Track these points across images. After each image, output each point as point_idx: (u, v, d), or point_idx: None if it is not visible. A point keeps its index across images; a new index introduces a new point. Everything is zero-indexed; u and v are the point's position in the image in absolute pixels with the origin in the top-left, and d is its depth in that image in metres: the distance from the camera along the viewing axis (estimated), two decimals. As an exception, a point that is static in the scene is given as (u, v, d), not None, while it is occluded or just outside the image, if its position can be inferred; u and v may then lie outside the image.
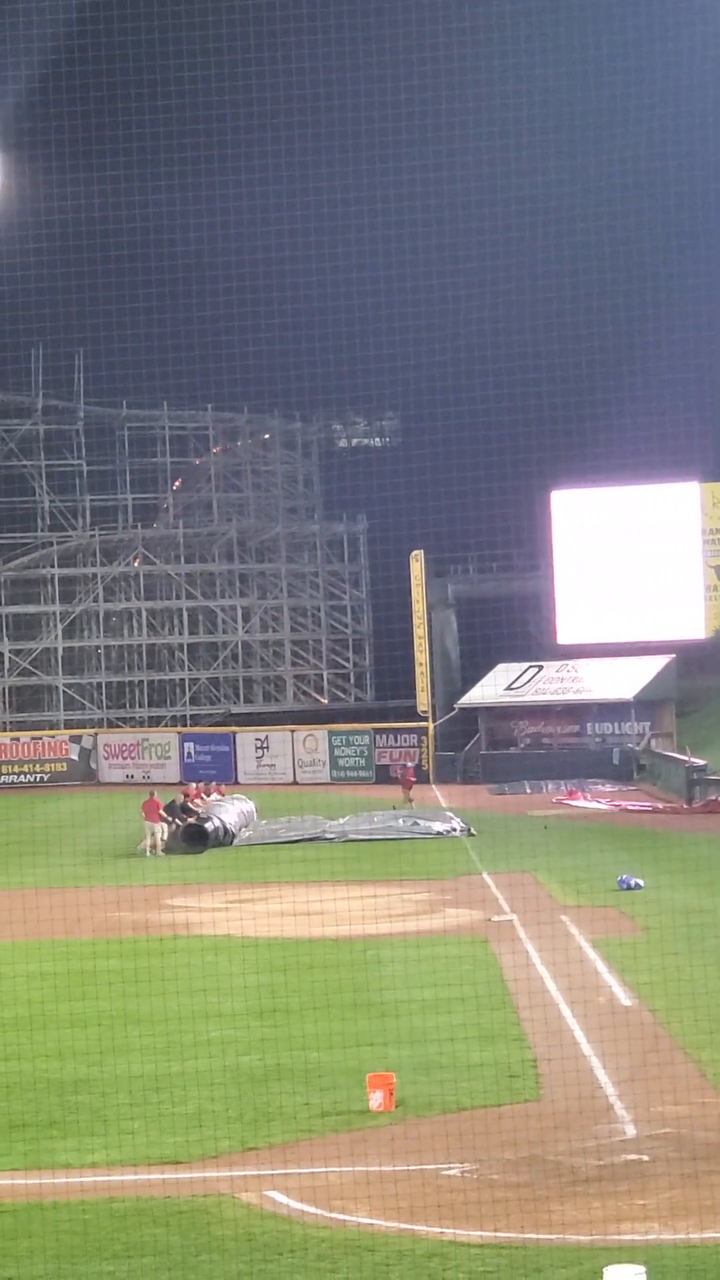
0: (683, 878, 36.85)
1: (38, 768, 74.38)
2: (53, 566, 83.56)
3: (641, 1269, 12.45)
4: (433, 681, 73.92)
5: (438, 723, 71.58)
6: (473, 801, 58.47)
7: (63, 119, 65.80)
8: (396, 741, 70.28)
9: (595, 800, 59.56)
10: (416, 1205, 15.55)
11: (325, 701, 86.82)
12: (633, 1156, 17.18)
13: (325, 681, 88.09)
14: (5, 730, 79.48)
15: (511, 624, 74.36)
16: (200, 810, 49.65)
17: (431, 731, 70.27)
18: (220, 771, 68.44)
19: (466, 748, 70.43)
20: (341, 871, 39.23)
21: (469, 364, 72.99)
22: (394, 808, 54.79)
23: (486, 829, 49.25)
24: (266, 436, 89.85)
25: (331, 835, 48.66)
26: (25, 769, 74.25)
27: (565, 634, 74.01)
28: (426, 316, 74.24)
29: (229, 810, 50.61)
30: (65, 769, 74.39)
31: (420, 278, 74.45)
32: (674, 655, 69.75)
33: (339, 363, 72.73)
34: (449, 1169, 16.82)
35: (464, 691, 73.30)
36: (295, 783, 69.79)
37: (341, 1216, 15.48)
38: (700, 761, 58.80)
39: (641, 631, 70.58)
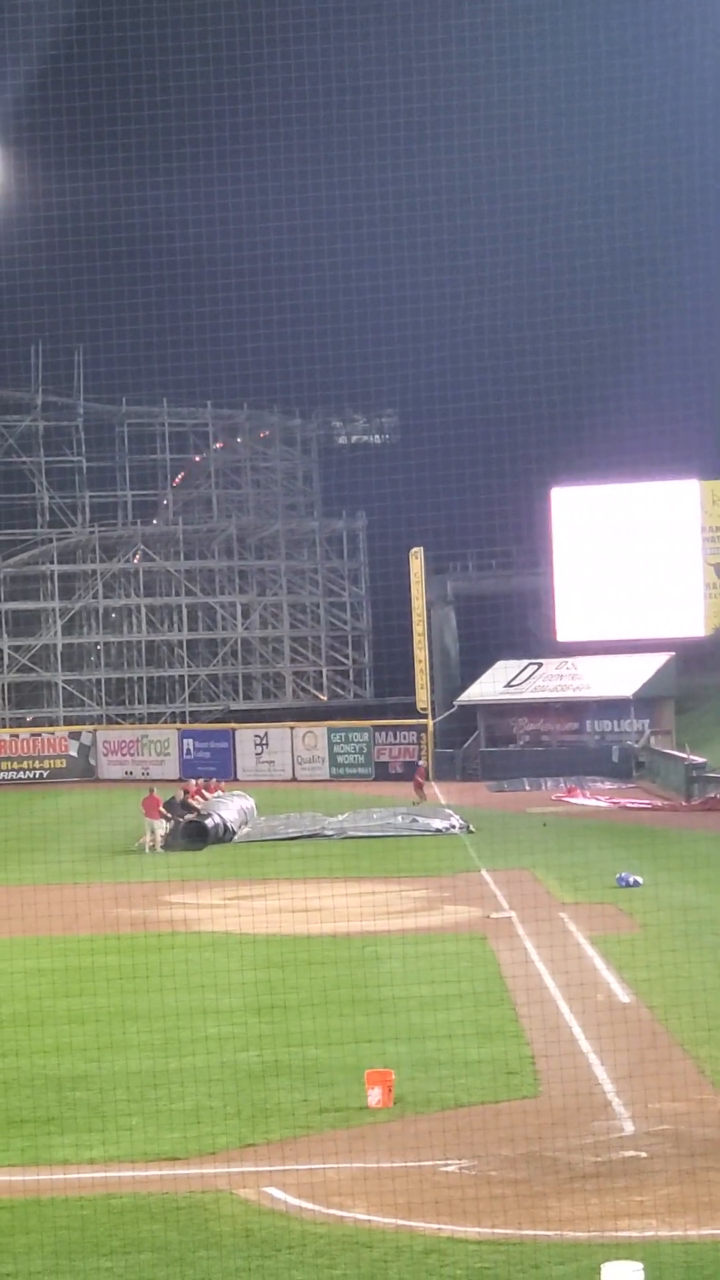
0: (681, 875, 36.85)
1: (37, 764, 74.39)
2: (52, 563, 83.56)
3: (639, 1266, 12.45)
4: (432, 678, 73.93)
5: (437, 720, 71.58)
6: (471, 798, 58.47)
7: (62, 115, 65.79)
8: (396, 739, 70.30)
9: (594, 797, 59.58)
10: (414, 1201, 15.55)
11: (324, 698, 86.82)
12: (631, 1153, 17.18)
13: (324, 678, 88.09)
14: (4, 726, 79.50)
15: (511, 621, 74.41)
16: (200, 807, 49.65)
17: (431, 728, 70.27)
18: (219, 768, 68.47)
19: (466, 745, 70.44)
20: (340, 868, 39.23)
21: (468, 361, 72.98)
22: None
23: (485, 826, 49.26)
24: (266, 433, 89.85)
25: (330, 832, 48.69)
26: (24, 765, 74.26)
27: (565, 631, 74.00)
28: (426, 313, 74.25)
29: (229, 807, 50.62)
30: (64, 765, 74.40)
31: (420, 274, 74.49)
32: (673, 653, 69.77)
33: (338, 359, 72.75)
34: (447, 1165, 16.82)
35: (463, 688, 73.30)
36: (294, 779, 69.80)
37: (339, 1213, 15.47)
38: (699, 759, 58.81)
39: (641, 629, 70.56)
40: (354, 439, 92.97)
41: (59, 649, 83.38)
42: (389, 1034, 22.25)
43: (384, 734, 70.65)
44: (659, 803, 57.30)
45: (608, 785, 62.75)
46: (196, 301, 68.92)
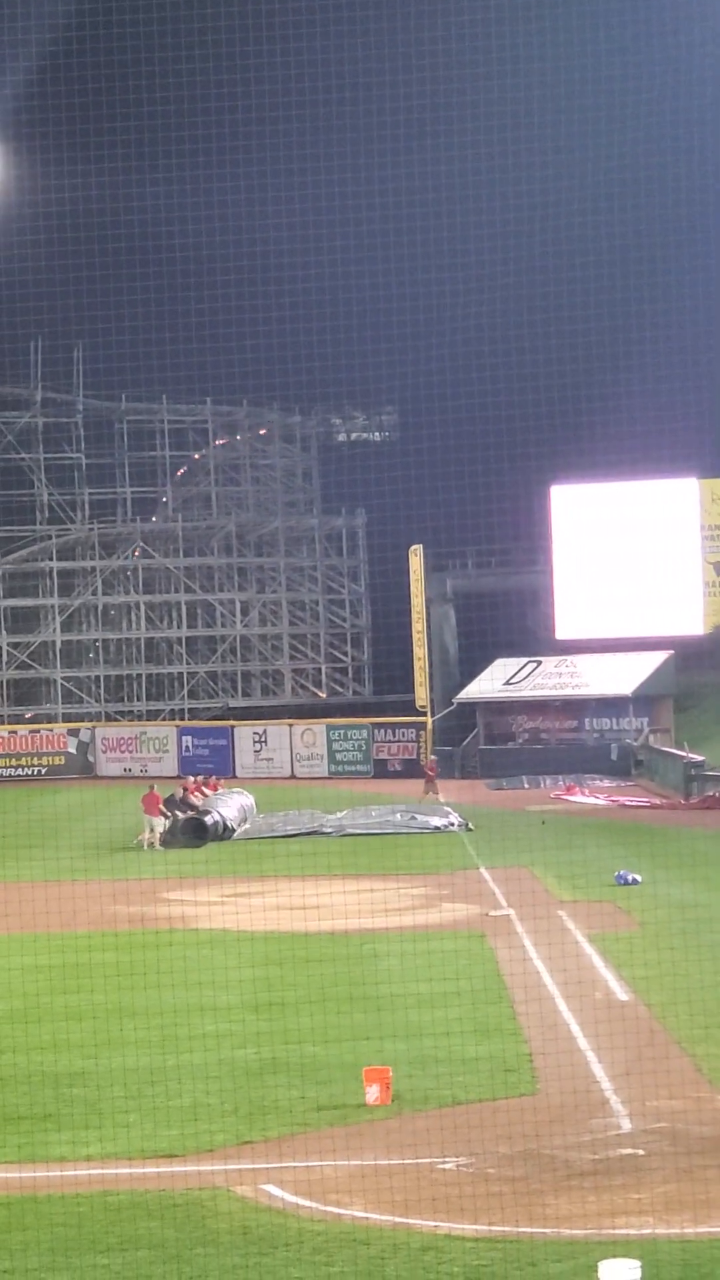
0: (680, 873, 36.85)
1: (35, 761, 74.37)
2: (51, 560, 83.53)
3: (637, 1263, 12.45)
4: (431, 676, 73.88)
5: (436, 717, 71.56)
6: (470, 796, 58.44)
7: (61, 111, 65.77)
8: (394, 736, 70.29)
9: (593, 795, 59.59)
10: (412, 1199, 15.54)
11: (323, 696, 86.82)
12: (628, 1151, 17.17)
13: (323, 676, 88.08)
14: (3, 723, 79.49)
15: (510, 619, 74.42)
16: (199, 804, 49.65)
17: (430, 726, 70.24)
18: (218, 765, 68.47)
19: (464, 743, 70.42)
20: (339, 866, 39.23)
21: (468, 358, 72.95)
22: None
23: (484, 824, 49.25)
24: (265, 430, 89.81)
25: (329, 829, 48.67)
26: (23, 762, 74.24)
27: (564, 629, 73.99)
28: (425, 311, 74.25)
29: (229, 804, 50.60)
30: (63, 762, 74.38)
31: (419, 272, 74.47)
32: (672, 651, 69.76)
33: (338, 357, 72.77)
34: (445, 1163, 16.81)
35: (462, 686, 73.29)
36: (293, 777, 69.78)
37: (337, 1210, 15.47)
38: (698, 757, 58.83)
39: (640, 627, 70.55)
40: (353, 436, 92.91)
41: (58, 646, 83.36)
42: (387, 1031, 22.25)
43: (383, 731, 70.63)
44: (657, 801, 57.31)
45: (606, 783, 62.74)
46: (196, 298, 68.91)
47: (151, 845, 46.10)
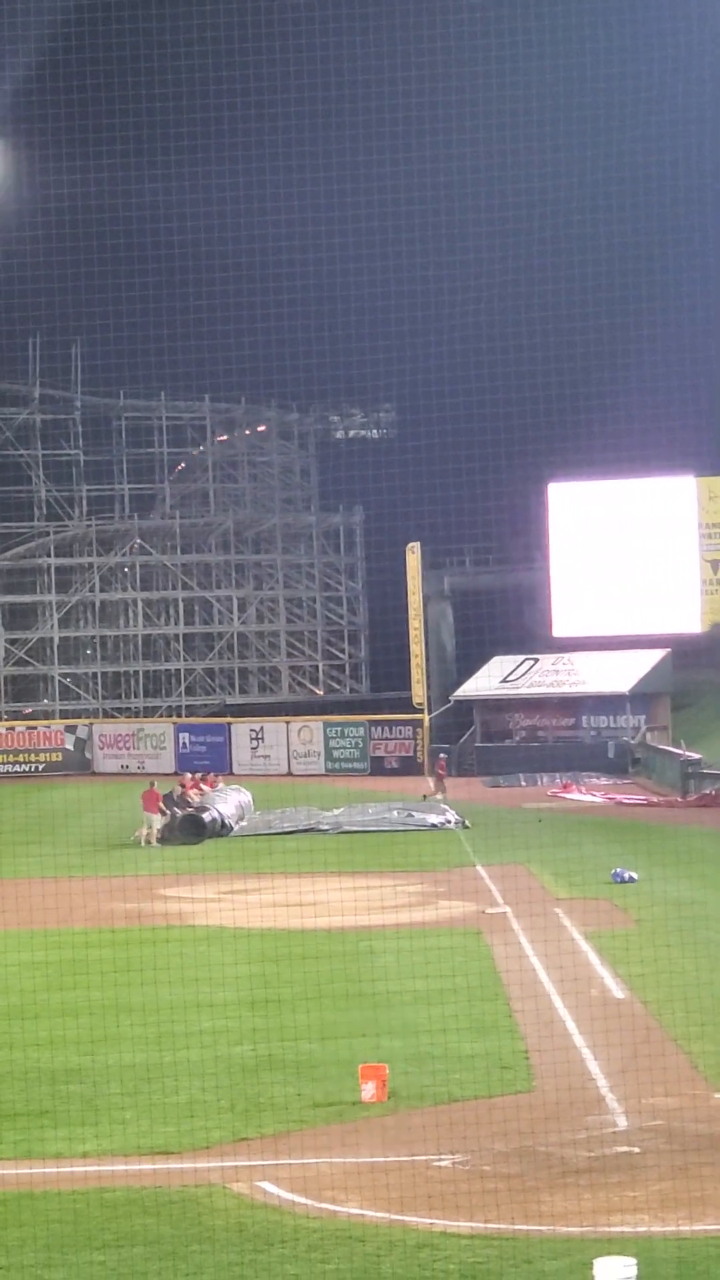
0: (676, 870, 36.87)
1: (33, 757, 74.38)
2: (49, 556, 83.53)
3: (632, 1261, 12.47)
4: (428, 673, 73.92)
5: (433, 715, 71.57)
6: (467, 794, 58.44)
7: (60, 107, 65.71)
8: (391, 733, 70.30)
9: (590, 793, 59.61)
10: (408, 1196, 15.56)
11: (320, 693, 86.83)
12: (624, 1148, 17.19)
13: (321, 673, 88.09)
14: (1, 720, 79.48)
15: (507, 616, 74.37)
16: (197, 801, 49.65)
17: (427, 723, 70.26)
18: (215, 762, 68.47)
19: (461, 740, 70.42)
20: (335, 863, 39.26)
21: (466, 356, 72.92)
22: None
23: (481, 821, 49.24)
24: (263, 428, 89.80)
25: (326, 827, 48.67)
26: (20, 759, 74.25)
27: (561, 627, 73.99)
28: (424, 308, 74.22)
29: (228, 801, 50.60)
30: (60, 759, 74.39)
31: (418, 269, 74.43)
32: (669, 649, 69.78)
33: (336, 354, 72.73)
34: (440, 1160, 16.83)
35: (459, 684, 73.30)
36: (290, 774, 69.79)
37: (333, 1207, 15.49)
38: (695, 754, 58.86)
39: (637, 625, 70.56)
40: (351, 434, 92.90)
41: (55, 642, 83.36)
42: (383, 1028, 22.26)
43: (379, 729, 70.65)
44: (654, 798, 57.33)
45: (603, 781, 62.77)
46: (194, 295, 68.86)
47: (149, 842, 46.12)
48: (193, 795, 50.62)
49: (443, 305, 73.37)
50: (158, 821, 46.69)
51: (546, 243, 72.10)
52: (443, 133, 72.75)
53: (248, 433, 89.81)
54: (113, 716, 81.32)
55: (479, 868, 39.03)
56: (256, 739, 71.83)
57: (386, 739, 70.07)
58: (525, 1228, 14.72)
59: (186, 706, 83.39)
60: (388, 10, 72.57)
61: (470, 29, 69.87)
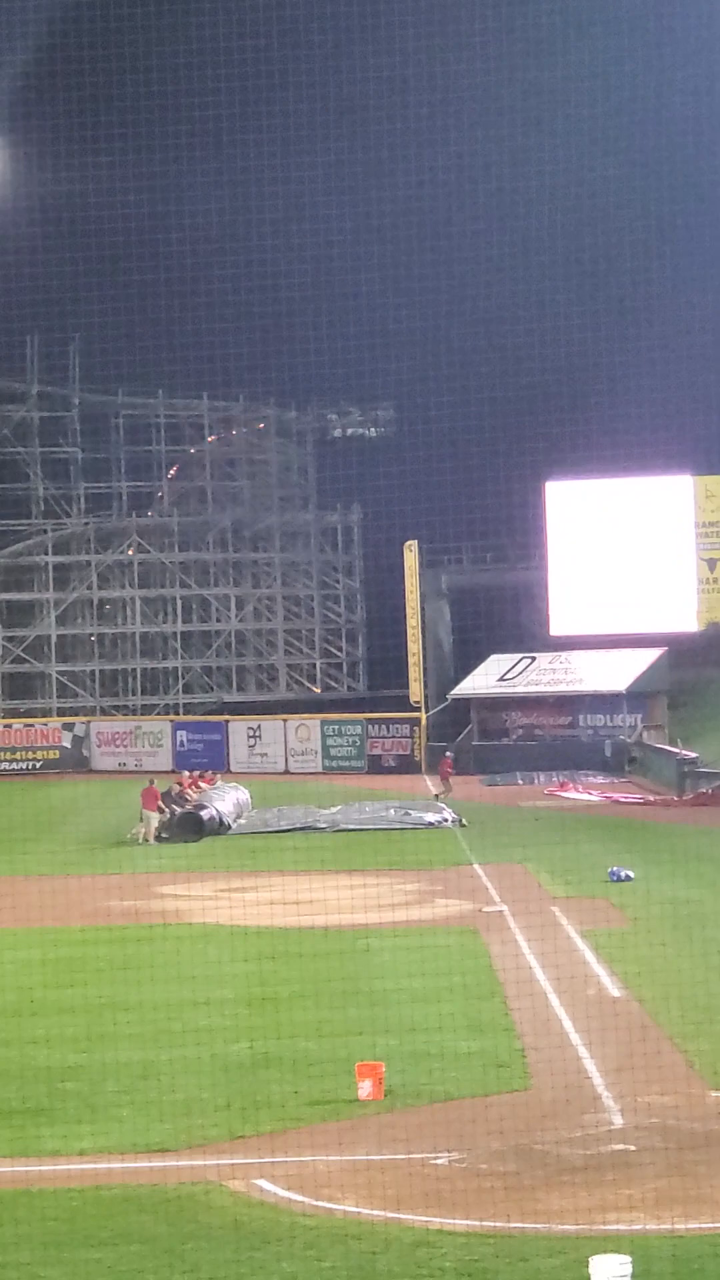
0: (672, 869, 36.91)
1: (30, 755, 74.37)
2: (47, 554, 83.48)
3: (627, 1259, 12.50)
4: (425, 672, 73.93)
5: (430, 713, 71.58)
6: (464, 792, 58.44)
7: (58, 105, 65.73)
8: (389, 731, 70.31)
9: (586, 792, 59.61)
10: (404, 1194, 15.58)
11: (318, 691, 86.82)
12: (620, 1146, 17.22)
13: (318, 671, 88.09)
14: (-2, 717, 79.50)
15: (504, 615, 74.36)
16: (196, 799, 49.64)
17: (424, 722, 70.27)
18: (212, 760, 68.44)
19: (459, 738, 70.41)
20: (332, 861, 39.28)
21: (464, 354, 72.98)
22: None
23: (478, 820, 49.26)
24: (261, 425, 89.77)
25: (323, 825, 48.68)
26: (18, 756, 74.24)
27: (558, 625, 73.99)
28: (422, 306, 74.21)
29: (226, 799, 50.60)
30: (58, 756, 74.38)
31: (416, 268, 74.43)
32: (666, 648, 69.79)
33: (334, 352, 72.69)
34: (437, 1158, 16.85)
35: (456, 682, 73.27)
36: (287, 772, 69.79)
37: (329, 1205, 15.50)
38: (691, 754, 58.87)
39: (634, 624, 70.56)
40: (349, 432, 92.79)
41: (53, 640, 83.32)
42: (380, 1027, 22.27)
43: (377, 727, 70.66)
44: (651, 797, 57.35)
45: (600, 780, 62.78)
46: (193, 293, 68.87)
47: (146, 839, 46.12)
48: (190, 793, 50.62)
49: (441, 303, 73.42)
50: (155, 819, 46.68)
51: (545, 241, 72.16)
52: (441, 132, 72.79)
53: (246, 431, 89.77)
54: (110, 714, 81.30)
55: (476, 866, 39.05)
56: (254, 737, 71.83)
57: (384, 737, 70.08)
58: (521, 1225, 14.74)
59: (184, 704, 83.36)
60: (390, 6, 72.55)
61: (469, 25, 69.90)
